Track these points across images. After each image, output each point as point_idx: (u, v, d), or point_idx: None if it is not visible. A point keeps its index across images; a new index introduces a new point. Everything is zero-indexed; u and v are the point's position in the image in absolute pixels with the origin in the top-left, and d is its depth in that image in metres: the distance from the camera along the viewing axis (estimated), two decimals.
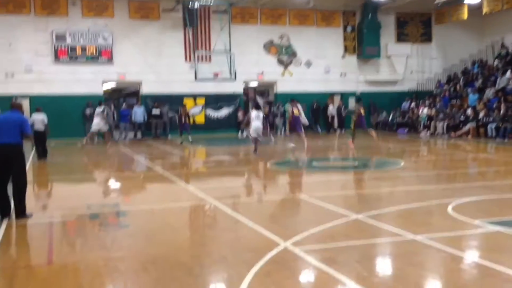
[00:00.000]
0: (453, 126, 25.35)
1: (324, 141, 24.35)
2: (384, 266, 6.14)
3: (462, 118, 25.22)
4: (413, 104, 29.97)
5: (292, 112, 19.75)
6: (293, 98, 21.59)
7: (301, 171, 15.08)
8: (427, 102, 28.83)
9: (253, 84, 31.69)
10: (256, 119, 18.05)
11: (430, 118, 27.28)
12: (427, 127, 27.16)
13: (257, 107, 19.27)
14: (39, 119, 17.77)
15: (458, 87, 29.35)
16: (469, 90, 27.56)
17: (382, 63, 32.39)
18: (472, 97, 26.36)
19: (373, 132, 21.12)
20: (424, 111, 28.11)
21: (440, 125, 26.08)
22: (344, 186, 12.30)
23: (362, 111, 20.71)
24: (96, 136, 24.15)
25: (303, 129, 19.85)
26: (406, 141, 24.74)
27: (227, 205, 9.64)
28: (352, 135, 20.62)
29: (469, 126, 24.33)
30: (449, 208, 8.67)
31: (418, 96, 30.88)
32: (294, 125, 20.02)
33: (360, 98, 24.32)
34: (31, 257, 6.90)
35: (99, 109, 22.65)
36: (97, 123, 22.47)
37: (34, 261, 6.67)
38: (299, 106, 20.21)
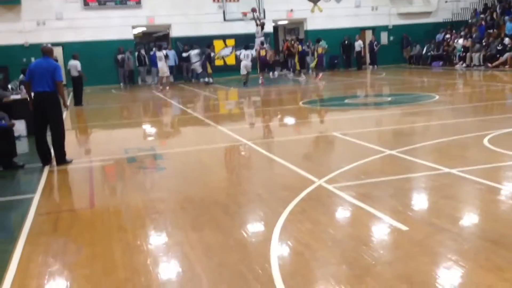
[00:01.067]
0: (489, 57, 24.65)
1: (355, 77, 24.04)
2: (419, 199, 6.15)
3: (499, 47, 24.47)
4: (448, 35, 29.14)
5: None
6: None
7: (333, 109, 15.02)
8: (462, 33, 28.01)
9: (283, 22, 31.21)
10: (245, 58, 21.89)
11: (465, 49, 26.55)
12: (462, 58, 26.49)
13: (247, 47, 22.62)
14: (74, 66, 18.21)
15: (495, 15, 28.37)
16: (507, 18, 26.61)
17: None
18: (510, 26, 25.44)
19: (320, 74, 23.74)
20: (459, 42, 27.34)
21: (476, 56, 25.37)
22: (378, 122, 12.20)
23: (320, 50, 23.79)
24: (168, 79, 24.28)
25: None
26: (441, 74, 24.24)
27: (261, 145, 9.73)
28: (315, 71, 24.13)
29: (507, 55, 23.63)
30: (485, 140, 8.58)
31: (453, 26, 29.97)
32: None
33: (320, 38, 24.98)
34: (73, 201, 7.13)
35: (160, 53, 22.68)
36: (162, 67, 22.56)
37: (77, 205, 6.90)
38: None
